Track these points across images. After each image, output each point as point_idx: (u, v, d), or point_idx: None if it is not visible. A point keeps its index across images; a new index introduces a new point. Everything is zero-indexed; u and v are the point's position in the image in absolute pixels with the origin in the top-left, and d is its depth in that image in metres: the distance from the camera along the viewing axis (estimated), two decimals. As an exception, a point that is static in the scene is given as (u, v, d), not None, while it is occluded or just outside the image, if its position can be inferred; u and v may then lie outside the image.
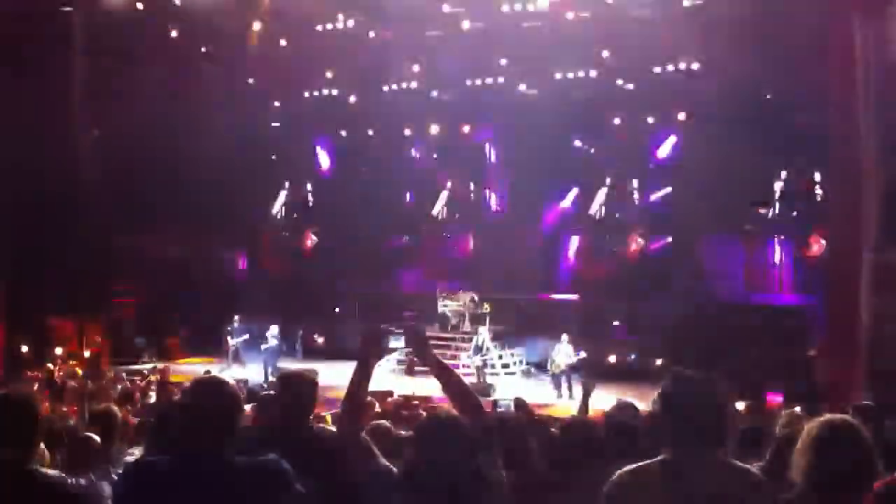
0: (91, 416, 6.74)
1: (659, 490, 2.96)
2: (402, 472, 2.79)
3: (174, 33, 20.90)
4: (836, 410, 4.30)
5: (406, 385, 17.05)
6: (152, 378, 16.80)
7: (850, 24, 12.33)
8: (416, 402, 14.35)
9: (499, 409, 11.91)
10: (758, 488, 3.00)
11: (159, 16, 20.07)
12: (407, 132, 25.05)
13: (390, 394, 15.26)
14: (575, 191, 24.16)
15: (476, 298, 21.55)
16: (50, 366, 16.94)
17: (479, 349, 18.96)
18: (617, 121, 22.25)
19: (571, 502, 3.87)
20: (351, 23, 20.70)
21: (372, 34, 21.70)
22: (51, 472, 3.32)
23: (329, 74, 23.39)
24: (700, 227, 21.19)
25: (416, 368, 17.03)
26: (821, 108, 14.47)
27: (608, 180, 23.70)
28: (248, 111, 23.65)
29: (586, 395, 7.41)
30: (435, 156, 26.07)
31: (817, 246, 19.94)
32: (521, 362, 20.07)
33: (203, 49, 21.93)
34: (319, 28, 20.92)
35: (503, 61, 21.51)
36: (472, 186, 25.88)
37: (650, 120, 22.24)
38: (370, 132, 25.97)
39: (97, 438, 5.51)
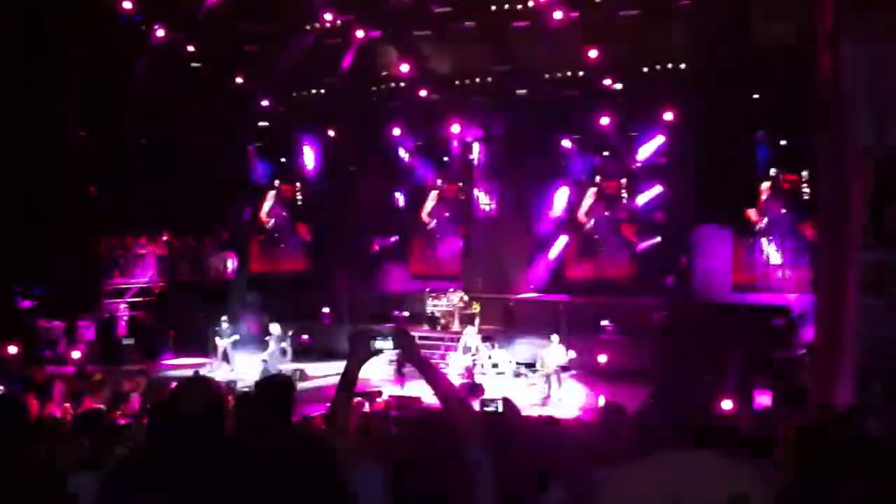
0: (78, 417, 6.73)
1: (649, 490, 2.97)
2: (391, 470, 2.78)
3: (160, 32, 20.90)
4: (821, 410, 4.33)
5: (395, 385, 17.06)
6: (141, 379, 16.76)
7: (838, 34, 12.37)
8: (406, 403, 14.38)
9: (487, 410, 11.94)
10: (748, 488, 3.01)
11: (146, 14, 20.08)
12: (396, 131, 25.04)
13: (379, 394, 15.28)
14: (564, 190, 24.17)
15: (465, 298, 21.56)
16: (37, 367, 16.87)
17: (467, 349, 18.97)
18: (605, 120, 22.32)
19: (560, 502, 3.88)
20: (339, 22, 20.75)
21: (360, 34, 21.74)
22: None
23: (317, 74, 23.41)
24: (688, 227, 21.26)
25: (405, 369, 17.02)
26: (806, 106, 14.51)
27: (597, 179, 23.74)
28: (237, 110, 23.59)
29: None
30: (423, 156, 26.06)
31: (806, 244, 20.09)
32: (510, 362, 20.07)
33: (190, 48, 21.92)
34: (308, 27, 20.95)
35: (492, 61, 21.53)
36: (460, 186, 25.86)
37: (638, 120, 22.26)
38: (358, 132, 25.95)
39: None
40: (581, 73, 21.58)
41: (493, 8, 19.57)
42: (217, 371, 19.24)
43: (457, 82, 22.81)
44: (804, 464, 3.12)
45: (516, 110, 22.78)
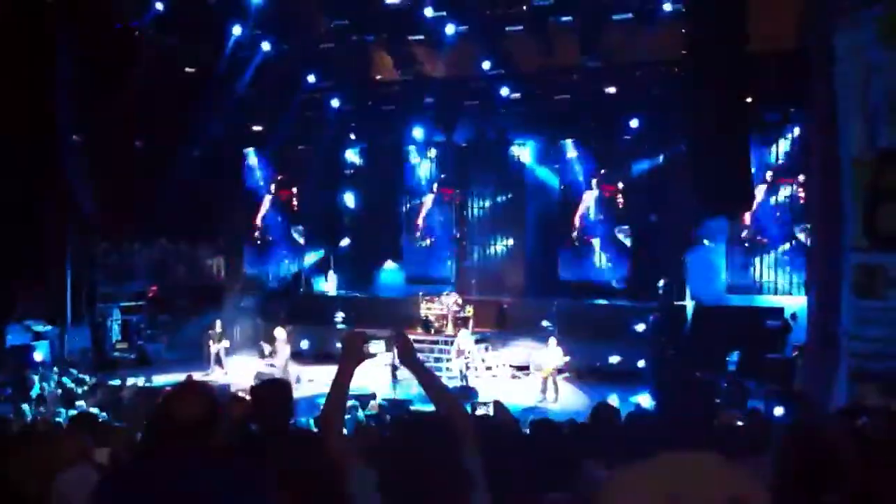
0: (71, 420, 6.71)
1: (648, 491, 2.97)
2: (383, 472, 2.77)
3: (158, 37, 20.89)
4: (816, 411, 4.34)
5: (390, 388, 17.06)
6: (137, 383, 16.77)
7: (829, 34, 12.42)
8: (399, 405, 14.38)
9: (479, 413, 11.94)
10: (747, 489, 3.00)
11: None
12: (391, 136, 25.02)
13: (373, 396, 15.28)
14: (560, 190, 24.18)
15: (459, 301, 21.52)
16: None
17: (461, 352, 18.93)
18: (602, 123, 22.28)
19: (558, 503, 3.87)
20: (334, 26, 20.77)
21: (354, 38, 21.74)
22: None
23: (311, 79, 23.41)
24: (682, 229, 21.26)
25: (399, 372, 17.02)
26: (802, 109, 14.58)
27: (594, 182, 23.73)
28: (233, 113, 23.55)
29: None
30: (420, 159, 26.08)
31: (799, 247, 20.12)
32: (504, 365, 20.05)
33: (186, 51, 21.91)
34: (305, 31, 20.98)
35: (486, 64, 21.52)
36: (456, 189, 25.84)
37: (634, 123, 22.27)
38: (353, 136, 25.98)
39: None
40: (575, 77, 21.63)
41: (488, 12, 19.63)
42: (210, 375, 19.20)
43: (452, 86, 22.82)
44: (800, 465, 3.13)
45: (510, 113, 22.83)
